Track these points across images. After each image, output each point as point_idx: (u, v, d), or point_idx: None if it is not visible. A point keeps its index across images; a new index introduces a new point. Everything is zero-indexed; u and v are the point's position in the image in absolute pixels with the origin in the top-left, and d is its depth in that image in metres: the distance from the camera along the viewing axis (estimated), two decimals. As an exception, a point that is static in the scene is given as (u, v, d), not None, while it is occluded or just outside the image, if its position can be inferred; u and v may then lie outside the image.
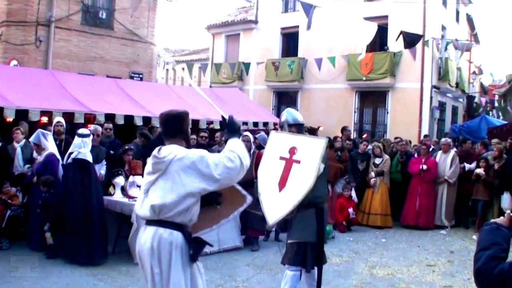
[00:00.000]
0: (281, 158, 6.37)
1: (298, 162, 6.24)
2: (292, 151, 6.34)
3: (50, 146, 10.51)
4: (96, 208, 9.69)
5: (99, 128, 11.42)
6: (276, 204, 6.13)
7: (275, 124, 19.41)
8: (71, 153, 9.78)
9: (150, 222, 4.51)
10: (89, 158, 9.82)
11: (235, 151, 4.54)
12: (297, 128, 7.09)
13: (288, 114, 7.32)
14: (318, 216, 6.70)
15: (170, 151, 4.48)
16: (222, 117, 4.99)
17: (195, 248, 4.48)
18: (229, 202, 5.19)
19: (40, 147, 10.43)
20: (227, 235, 11.17)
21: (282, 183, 6.20)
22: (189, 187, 4.38)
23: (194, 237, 4.54)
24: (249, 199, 5.56)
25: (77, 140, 9.83)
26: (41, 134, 10.46)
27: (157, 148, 4.57)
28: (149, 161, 4.61)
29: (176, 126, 4.72)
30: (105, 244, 9.88)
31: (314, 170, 6.08)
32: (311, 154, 6.22)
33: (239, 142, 4.69)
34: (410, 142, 18.24)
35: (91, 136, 10.26)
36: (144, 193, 4.62)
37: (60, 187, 10.10)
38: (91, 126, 10.95)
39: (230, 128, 4.83)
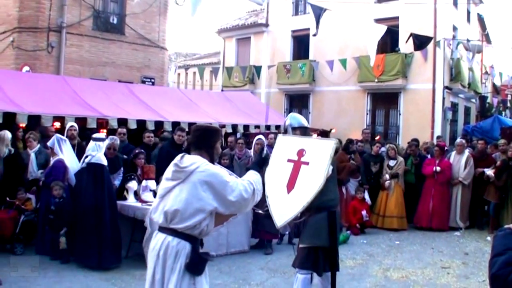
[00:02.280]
0: (289, 160, 6.36)
1: (307, 163, 6.23)
2: (301, 153, 6.33)
3: (65, 152, 10.55)
4: (109, 211, 9.69)
5: (117, 142, 11.36)
6: (285, 206, 6.11)
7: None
8: (86, 157, 9.82)
9: (162, 228, 4.56)
10: (103, 161, 9.82)
11: (253, 184, 4.68)
12: (302, 131, 7.10)
13: (292, 118, 7.34)
14: (330, 219, 6.66)
15: (193, 161, 4.52)
16: (261, 151, 5.34)
17: (196, 262, 4.44)
18: None
19: (53, 151, 10.50)
20: (236, 238, 11.18)
21: (290, 185, 6.18)
22: (203, 202, 4.41)
23: (202, 252, 4.55)
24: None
25: (91, 144, 9.87)
26: (56, 139, 10.54)
27: (179, 156, 4.60)
28: (170, 167, 4.64)
29: (203, 140, 4.75)
30: (118, 249, 9.86)
31: (324, 171, 6.06)
32: (320, 156, 6.21)
33: (259, 178, 4.83)
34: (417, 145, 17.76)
35: (106, 141, 10.30)
36: (160, 197, 4.65)
37: (67, 192, 10.18)
38: (108, 139, 10.92)
39: (261, 163, 5.18)
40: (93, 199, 9.60)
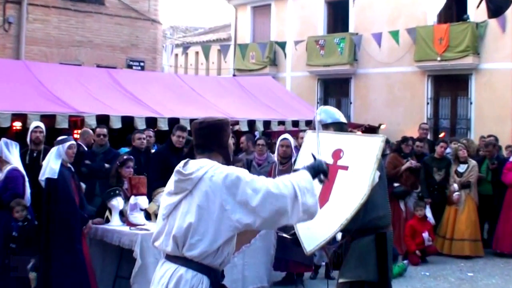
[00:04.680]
0: None
1: (345, 168, 6.20)
2: (337, 154, 6.30)
3: (14, 158, 10.51)
4: (61, 237, 9.58)
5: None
6: (316, 225, 6.05)
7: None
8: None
9: (171, 257, 4.56)
10: (54, 173, 9.65)
11: (292, 181, 4.54)
12: (337, 129, 7.00)
13: (324, 111, 7.22)
14: (378, 244, 6.58)
15: (199, 166, 4.51)
16: (312, 154, 5.15)
17: None
18: None
19: (2, 160, 10.46)
20: (253, 271, 11.02)
21: (324, 197, 6.10)
22: (221, 215, 4.39)
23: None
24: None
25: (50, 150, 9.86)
26: (4, 143, 10.46)
27: (182, 162, 4.61)
28: (172, 177, 4.65)
29: (212, 138, 4.73)
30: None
31: (369, 178, 6.00)
32: (363, 157, 6.17)
33: (308, 177, 4.71)
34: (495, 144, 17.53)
35: (68, 143, 10.10)
36: (163, 219, 4.65)
37: (32, 213, 10.17)
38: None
39: (316, 167, 4.92)
40: (44, 225, 9.59)
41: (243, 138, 14.50)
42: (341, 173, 6.16)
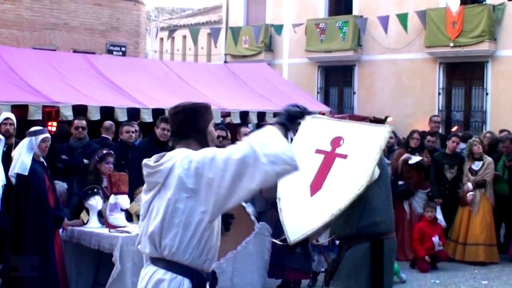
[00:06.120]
0: (319, 151, 6.34)
1: (344, 157, 6.22)
2: (336, 142, 6.32)
3: None
4: (33, 241, 9.64)
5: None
6: (304, 214, 6.03)
7: (321, 113, 19.26)
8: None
9: (153, 259, 4.57)
10: (25, 169, 9.68)
11: (248, 140, 4.32)
12: None
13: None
14: (374, 253, 6.53)
15: (171, 156, 4.48)
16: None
17: None
18: (235, 227, 5.18)
19: None
20: (244, 278, 10.86)
21: (316, 185, 6.11)
22: (193, 204, 4.37)
23: None
24: (257, 226, 5.50)
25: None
26: None
27: (155, 155, 4.60)
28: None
29: (188, 124, 4.69)
30: None
31: (369, 168, 6.00)
32: (365, 147, 6.19)
33: (269, 129, 4.45)
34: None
35: (42, 136, 10.08)
36: (142, 220, 4.66)
37: (3, 214, 10.15)
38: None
39: (291, 110, 4.69)
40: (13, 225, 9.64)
41: (243, 129, 14.24)
42: (339, 162, 6.16)
